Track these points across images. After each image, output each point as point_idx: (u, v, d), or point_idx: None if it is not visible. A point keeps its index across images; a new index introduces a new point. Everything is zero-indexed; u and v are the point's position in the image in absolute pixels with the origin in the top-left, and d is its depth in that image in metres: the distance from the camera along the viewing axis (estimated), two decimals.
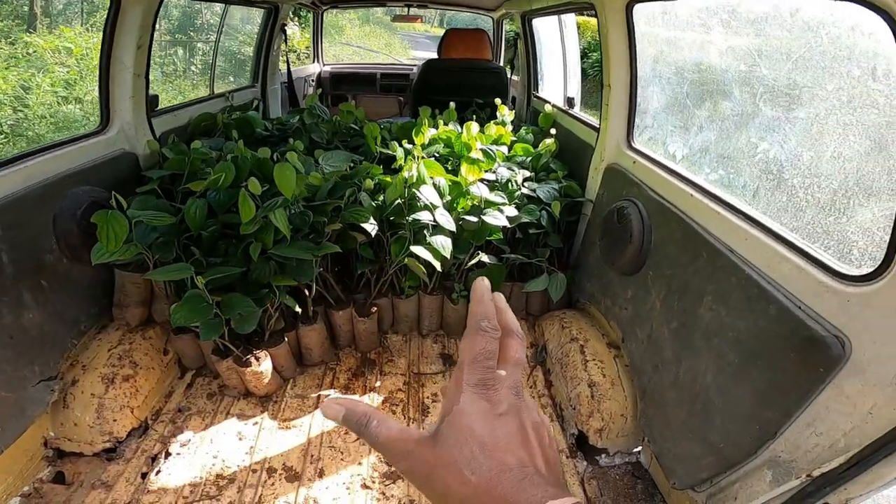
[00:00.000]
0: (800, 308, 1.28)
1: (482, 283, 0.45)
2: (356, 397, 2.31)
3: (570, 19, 3.56)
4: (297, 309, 2.12)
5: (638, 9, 2.11)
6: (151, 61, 2.42)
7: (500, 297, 0.46)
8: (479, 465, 0.37)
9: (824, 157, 1.40)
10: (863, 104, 1.31)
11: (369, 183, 2.22)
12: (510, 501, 0.35)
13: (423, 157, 2.21)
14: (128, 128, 2.34)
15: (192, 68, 7.45)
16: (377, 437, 0.41)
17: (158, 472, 1.92)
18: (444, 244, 2.12)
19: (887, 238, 1.11)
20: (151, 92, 2.51)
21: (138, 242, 1.87)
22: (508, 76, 4.38)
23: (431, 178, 2.23)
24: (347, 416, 0.42)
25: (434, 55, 4.47)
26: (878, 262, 1.13)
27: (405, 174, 2.14)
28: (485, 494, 0.36)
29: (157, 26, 2.35)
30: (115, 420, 1.99)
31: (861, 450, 1.14)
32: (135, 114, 2.35)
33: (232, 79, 5.96)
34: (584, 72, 7.62)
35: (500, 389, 0.40)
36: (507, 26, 5.11)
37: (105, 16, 2.19)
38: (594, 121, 2.66)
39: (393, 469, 2.00)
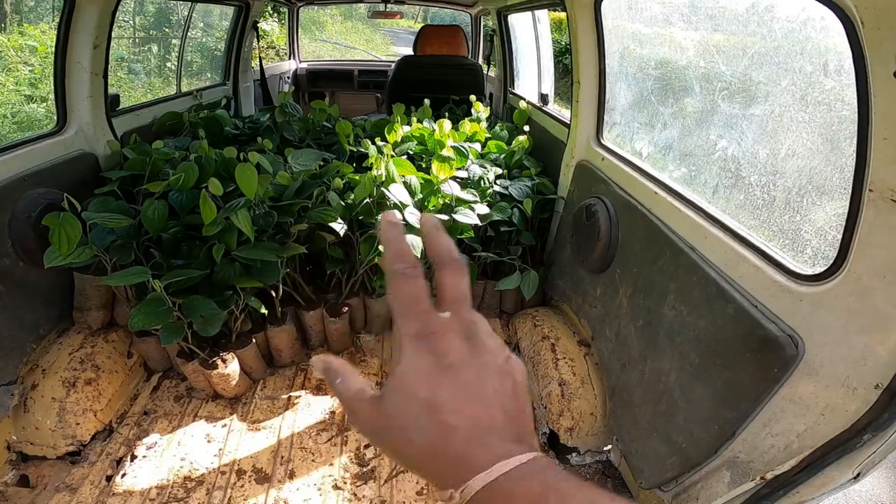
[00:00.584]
0: (756, 307, 1.28)
1: (390, 216, 0.42)
2: (327, 398, 2.30)
3: (544, 16, 3.55)
4: (263, 310, 2.08)
5: (606, 5, 2.11)
6: (125, 59, 2.37)
7: (426, 219, 0.42)
8: (422, 428, 0.35)
9: (779, 154, 1.40)
10: (815, 101, 1.31)
11: (338, 182, 2.19)
12: (456, 464, 0.34)
13: (392, 156, 2.18)
14: (86, 128, 2.28)
15: (168, 65, 7.32)
16: (340, 393, 0.41)
17: (124, 474, 1.90)
18: (414, 243, 2.10)
19: (839, 237, 1.12)
20: (120, 91, 2.45)
21: (94, 244, 1.83)
22: (485, 72, 4.36)
23: (402, 176, 2.21)
24: (325, 369, 0.42)
25: None
26: (830, 262, 1.14)
27: (374, 173, 2.12)
28: (429, 458, 0.36)
29: (123, 23, 2.29)
30: (77, 423, 1.96)
31: (812, 451, 1.15)
32: (93, 113, 2.29)
33: (209, 75, 5.87)
34: (565, 67, 7.64)
35: (445, 335, 0.37)
36: (485, 20, 5.09)
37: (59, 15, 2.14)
38: (567, 117, 2.66)
39: (365, 469, 2.00)
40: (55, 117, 2.26)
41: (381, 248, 2.09)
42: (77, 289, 2.17)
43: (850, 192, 1.08)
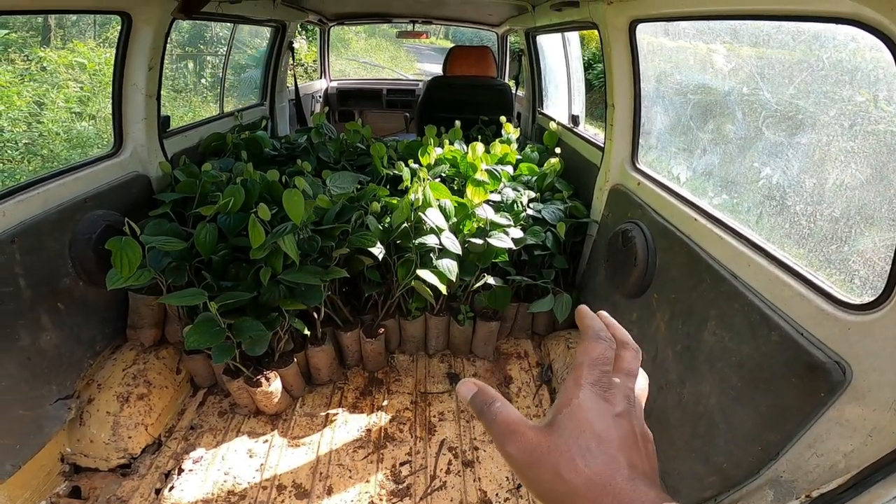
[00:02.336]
0: (801, 334, 1.29)
1: (585, 308, 0.49)
2: (363, 416, 2.34)
3: (574, 37, 3.60)
4: (306, 332, 2.15)
5: (641, 28, 2.13)
6: (167, 77, 2.46)
7: (607, 315, 0.49)
8: (593, 458, 0.38)
9: (826, 184, 1.41)
10: (864, 131, 1.32)
11: (376, 206, 2.25)
12: (620, 497, 0.36)
13: (428, 180, 2.24)
14: (141, 150, 2.39)
15: (203, 81, 7.53)
16: (495, 416, 0.42)
17: (172, 487, 1.96)
18: (450, 267, 2.15)
19: (888, 268, 1.13)
20: (162, 112, 2.56)
21: (151, 267, 1.91)
22: (513, 92, 4.42)
23: (437, 200, 2.26)
24: (477, 395, 0.44)
25: (439, 66, 4.52)
26: (879, 292, 1.15)
27: (411, 197, 2.17)
28: (597, 487, 0.37)
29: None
30: (129, 437, 2.04)
31: (860, 471, 1.15)
32: (147, 135, 2.40)
33: (238, 90, 6.01)
34: (589, 83, 7.68)
35: (616, 393, 0.42)
36: (512, 38, 5.15)
37: (117, 37, 2.23)
38: (599, 140, 2.68)
39: (401, 487, 2.02)
40: (103, 136, 2.36)
41: (419, 273, 2.13)
42: (131, 308, 2.27)
43: None
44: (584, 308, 0.48)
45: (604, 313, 0.49)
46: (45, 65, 5.38)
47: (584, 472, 0.37)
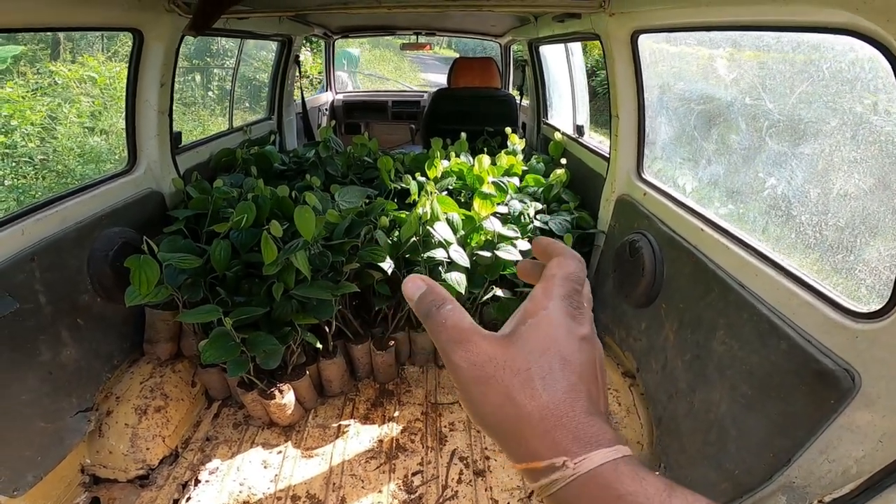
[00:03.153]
0: (810, 343, 1.31)
1: (545, 237, 0.45)
2: (375, 427, 2.36)
3: (577, 47, 3.63)
4: (318, 345, 2.18)
5: (643, 39, 2.16)
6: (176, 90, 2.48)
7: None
8: (554, 382, 0.33)
9: (831, 194, 1.43)
10: (866, 141, 1.34)
11: (384, 220, 2.28)
12: (577, 432, 0.32)
13: (435, 194, 2.27)
14: (154, 166, 2.43)
15: (210, 94, 7.59)
16: (444, 320, 0.37)
17: (189, 498, 2.00)
18: (458, 280, 2.18)
19: (893, 276, 1.15)
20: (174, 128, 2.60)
21: (168, 284, 1.95)
22: (518, 102, 4.45)
23: (445, 213, 2.29)
24: (426, 294, 0.38)
25: (443, 76, 4.56)
26: (886, 300, 1.17)
27: (419, 211, 2.20)
28: (552, 417, 0.32)
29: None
30: (147, 448, 2.08)
31: (871, 476, 1.16)
32: (160, 152, 2.44)
33: (248, 104, 6.05)
34: (593, 90, 7.72)
35: (584, 312, 0.38)
36: (515, 46, 5.20)
37: (126, 50, 2.27)
38: (604, 150, 2.70)
39: (413, 496, 2.04)
40: (115, 151, 2.40)
41: None
42: (148, 322, 2.31)
43: None
44: (543, 238, 0.45)
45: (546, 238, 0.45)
46: (56, 79, 5.43)
47: (542, 397, 0.32)
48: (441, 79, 4.60)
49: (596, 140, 3.09)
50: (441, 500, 2.02)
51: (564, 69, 3.71)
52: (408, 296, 0.39)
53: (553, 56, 3.92)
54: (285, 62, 4.01)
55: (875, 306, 1.20)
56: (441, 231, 2.18)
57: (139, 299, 1.85)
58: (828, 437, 1.28)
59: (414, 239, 2.23)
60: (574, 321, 0.36)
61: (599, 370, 0.37)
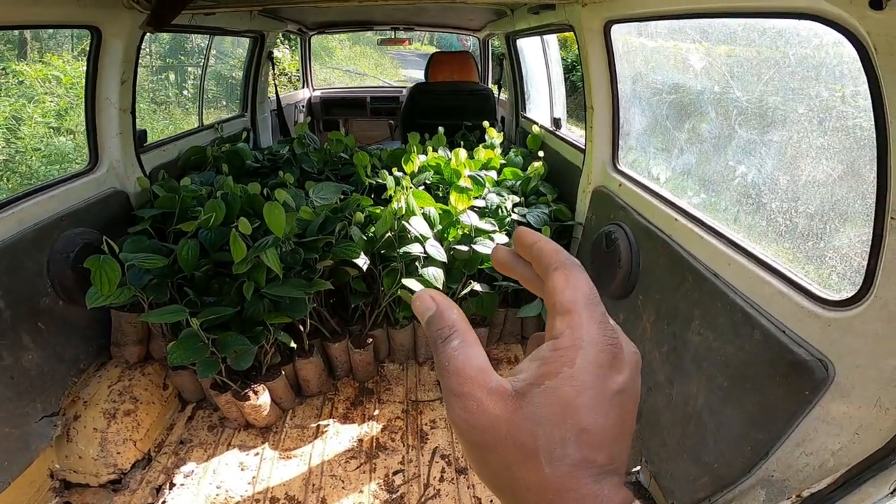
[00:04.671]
0: (783, 332, 1.30)
1: (526, 229, 0.37)
2: (355, 426, 2.32)
3: (553, 40, 3.62)
4: (293, 345, 2.13)
5: (616, 29, 2.15)
6: (141, 89, 2.43)
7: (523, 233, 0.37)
8: (563, 458, 0.28)
9: (800, 180, 1.43)
10: (833, 127, 1.33)
11: (359, 216, 2.24)
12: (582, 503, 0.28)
13: (411, 188, 2.23)
14: (117, 165, 2.36)
15: (185, 93, 7.45)
16: (447, 362, 0.31)
17: (164, 502, 1.96)
18: (435, 275, 2.15)
19: (864, 263, 1.14)
20: (141, 126, 2.53)
21: (132, 285, 1.89)
22: (496, 96, 4.43)
23: (421, 208, 2.26)
24: (434, 318, 0.32)
25: (423, 72, 4.53)
26: (857, 288, 1.16)
27: (395, 206, 2.17)
28: (552, 491, 0.28)
29: (140, 57, 2.36)
30: (118, 453, 2.03)
31: (849, 469, 1.16)
32: (123, 151, 2.37)
33: (225, 102, 5.96)
34: (573, 85, 7.73)
35: (622, 346, 0.30)
36: (495, 41, 5.18)
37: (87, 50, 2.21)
38: (581, 142, 2.69)
39: (394, 496, 2.01)
40: (81, 151, 2.34)
41: (404, 281, 2.13)
42: (114, 325, 2.24)
43: (872, 218, 1.10)
44: (524, 230, 0.36)
45: (528, 230, 0.37)
46: (21, 79, 5.30)
47: (544, 472, 0.28)
48: (422, 75, 4.56)
49: (577, 135, 3.08)
50: (423, 500, 2.00)
51: (542, 63, 3.70)
52: (417, 314, 0.34)
53: (530, 50, 3.91)
54: (258, 58, 3.94)
55: (847, 294, 1.19)
56: (417, 226, 2.15)
57: (101, 301, 1.78)
58: (804, 429, 1.27)
59: (389, 234, 2.20)
60: (612, 369, 0.29)
61: (632, 416, 0.31)
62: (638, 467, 2.09)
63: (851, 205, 1.27)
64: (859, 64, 1.10)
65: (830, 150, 1.35)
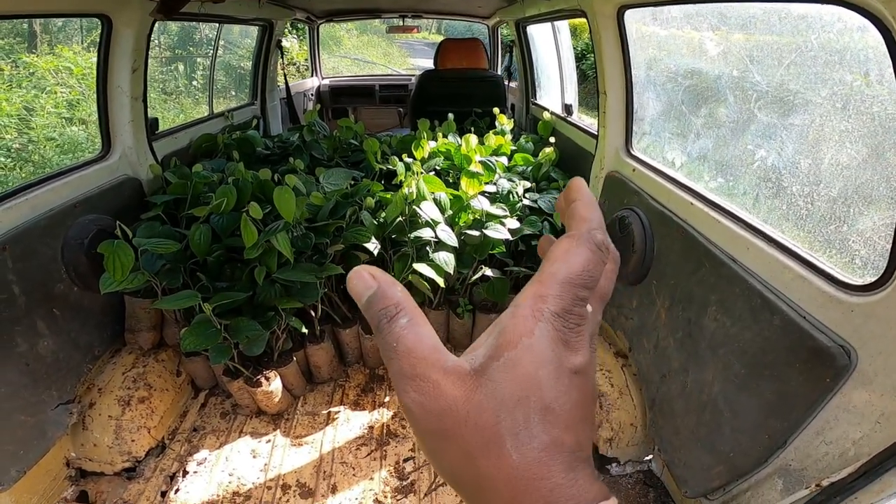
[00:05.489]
0: (804, 318, 1.28)
1: (581, 181, 0.34)
2: (366, 413, 2.33)
3: (564, 26, 3.57)
4: (304, 330, 2.13)
5: (629, 14, 2.11)
6: (152, 80, 2.43)
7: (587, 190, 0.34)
8: (530, 440, 0.26)
9: (822, 164, 1.40)
10: (857, 111, 1.30)
11: (370, 201, 2.23)
12: (552, 497, 0.25)
13: (422, 173, 2.22)
14: (129, 153, 2.37)
15: (194, 83, 7.47)
16: (396, 343, 0.28)
17: (177, 490, 1.97)
18: (446, 260, 2.14)
19: (889, 247, 1.11)
20: (152, 114, 2.53)
21: (145, 270, 1.89)
22: (506, 83, 4.39)
23: (432, 193, 2.25)
24: (376, 297, 0.29)
25: (432, 61, 4.49)
26: (881, 272, 1.13)
27: (405, 191, 2.15)
28: (523, 482, 0.25)
29: (150, 47, 2.37)
30: (133, 440, 2.04)
31: (870, 458, 1.14)
32: (135, 138, 2.37)
33: (234, 92, 5.96)
34: (584, 73, 7.64)
35: (583, 333, 0.28)
36: (504, 30, 5.12)
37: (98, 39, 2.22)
38: (593, 128, 2.67)
39: (405, 483, 2.01)
40: (94, 140, 2.34)
41: (415, 266, 2.11)
42: (128, 311, 2.25)
43: None
44: (578, 181, 0.34)
45: (582, 183, 0.34)
46: (32, 70, 5.34)
47: (510, 457, 0.25)
48: (430, 64, 4.52)
49: (587, 122, 3.04)
50: (433, 487, 2.00)
51: (552, 49, 3.65)
52: (354, 294, 0.30)
53: (540, 36, 3.86)
54: (267, 47, 3.93)
55: (870, 278, 1.17)
56: (428, 210, 2.13)
57: (114, 286, 1.79)
58: (824, 417, 1.25)
59: (400, 219, 2.18)
60: (567, 348, 0.27)
61: (592, 405, 0.29)
62: (650, 456, 2.08)
63: (876, 188, 1.24)
64: (884, 48, 1.07)
65: (854, 134, 1.31)
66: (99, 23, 2.15)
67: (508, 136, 3.11)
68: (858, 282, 1.19)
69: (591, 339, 0.29)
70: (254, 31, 3.97)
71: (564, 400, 0.26)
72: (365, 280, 0.29)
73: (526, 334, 0.27)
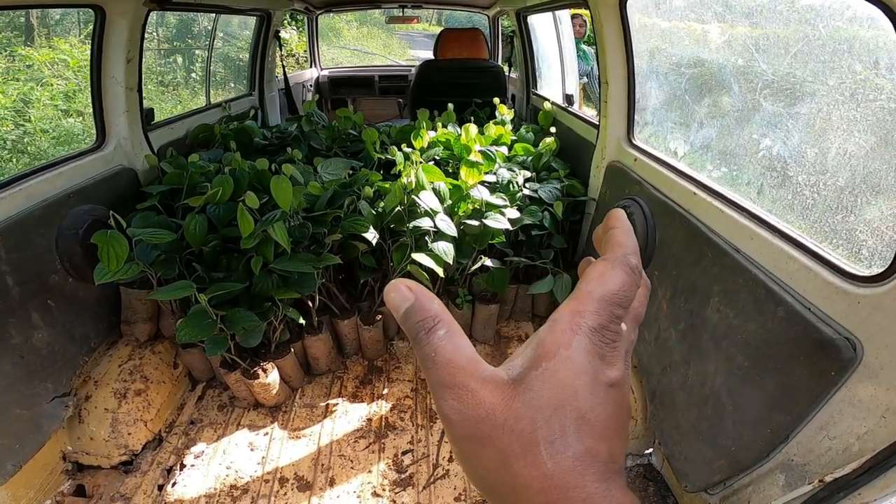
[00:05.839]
0: (809, 309, 1.25)
1: (621, 212, 0.35)
2: (364, 405, 2.31)
3: (565, 16, 3.52)
4: (301, 321, 2.11)
5: (631, 3, 2.08)
6: (149, 71, 2.41)
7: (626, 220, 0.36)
8: (565, 448, 0.26)
9: (829, 153, 1.37)
10: (866, 99, 1.27)
11: (368, 191, 2.21)
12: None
13: (421, 163, 2.19)
14: (125, 143, 2.34)
15: (193, 75, 7.43)
16: (435, 353, 0.29)
17: (174, 483, 1.96)
18: (445, 250, 2.11)
19: None
20: (151, 106, 2.50)
21: (140, 260, 1.87)
22: (507, 74, 4.35)
23: (431, 182, 2.22)
24: (412, 310, 0.30)
25: (432, 53, 4.45)
26: (889, 263, 1.11)
27: (404, 180, 2.13)
28: (557, 490, 0.26)
29: (147, 37, 2.34)
30: (129, 433, 2.03)
31: (875, 454, 1.11)
32: (130, 128, 2.35)
33: (233, 84, 5.93)
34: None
35: (618, 349, 0.29)
36: (504, 21, 5.07)
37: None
38: (594, 118, 2.64)
39: (403, 476, 2.00)
40: (91, 132, 2.32)
41: (414, 256, 2.09)
42: (124, 303, 2.24)
43: None
44: (618, 212, 0.35)
45: (622, 213, 0.35)
46: (29, 63, 5.31)
47: (545, 465, 0.26)
48: (430, 56, 4.47)
49: (588, 113, 3.01)
50: (432, 480, 1.99)
51: (553, 40, 3.61)
52: (392, 307, 0.31)
53: (541, 26, 3.82)
54: (265, 37, 3.88)
55: (877, 269, 1.14)
56: (427, 200, 2.10)
57: (108, 276, 1.77)
58: (828, 411, 1.22)
59: (399, 209, 2.16)
60: (603, 362, 0.28)
61: (627, 418, 0.30)
62: (650, 449, 2.06)
63: (884, 178, 1.21)
64: (894, 36, 1.05)
65: (863, 123, 1.29)
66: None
67: (509, 127, 3.08)
68: (865, 273, 1.16)
69: (626, 356, 0.30)
70: (252, 22, 3.93)
71: (600, 411, 0.28)
72: (402, 293, 0.30)
73: (564, 346, 0.28)
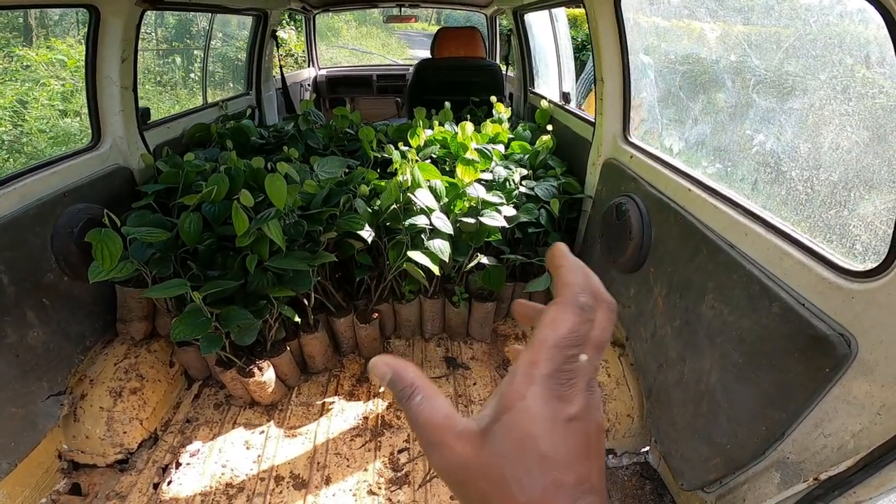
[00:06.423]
0: (803, 306, 1.25)
1: (564, 247, 0.37)
2: (360, 403, 2.31)
3: (561, 14, 3.52)
4: (297, 319, 2.11)
5: (626, 0, 2.08)
6: (148, 72, 2.41)
7: (568, 253, 0.37)
8: (532, 483, 0.30)
9: (822, 148, 1.37)
10: (858, 94, 1.27)
11: (364, 189, 2.20)
12: None
13: (416, 161, 2.19)
14: (120, 142, 2.34)
15: (192, 76, 7.43)
16: (416, 416, 0.34)
17: (170, 482, 1.95)
18: (441, 248, 2.11)
19: (890, 232, 1.08)
20: (148, 105, 2.50)
21: (134, 259, 1.87)
22: (504, 72, 4.34)
23: (427, 180, 2.21)
24: (394, 380, 0.35)
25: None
26: (882, 258, 1.10)
27: (400, 178, 2.12)
28: None
29: (146, 37, 2.34)
30: (125, 432, 2.02)
31: (870, 452, 1.11)
32: (126, 128, 2.35)
33: (231, 84, 5.93)
34: (583, 64, 7.58)
35: (576, 384, 0.32)
36: (502, 20, 5.07)
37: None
38: (590, 115, 2.63)
39: (399, 474, 2.00)
40: (88, 132, 2.32)
41: (410, 254, 2.09)
42: (119, 301, 2.23)
43: None
44: (560, 248, 0.37)
45: (564, 249, 0.37)
46: (26, 63, 5.31)
47: (519, 500, 0.30)
48: (428, 55, 4.47)
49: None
50: (428, 478, 1.98)
51: (550, 38, 3.61)
52: (377, 380, 0.36)
53: (538, 25, 3.81)
54: (262, 37, 3.88)
55: (871, 264, 1.14)
56: (422, 198, 2.10)
57: (103, 275, 1.76)
58: (823, 408, 1.22)
59: (395, 207, 2.15)
60: (561, 401, 0.32)
61: (596, 435, 0.33)
62: (647, 447, 2.06)
63: (877, 172, 1.21)
64: (885, 30, 1.04)
65: (855, 117, 1.29)
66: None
67: (506, 125, 3.08)
68: (859, 268, 1.16)
69: (589, 383, 0.33)
70: (249, 22, 3.92)
71: (561, 446, 0.31)
72: (380, 368, 0.36)
73: (519, 399, 0.32)
